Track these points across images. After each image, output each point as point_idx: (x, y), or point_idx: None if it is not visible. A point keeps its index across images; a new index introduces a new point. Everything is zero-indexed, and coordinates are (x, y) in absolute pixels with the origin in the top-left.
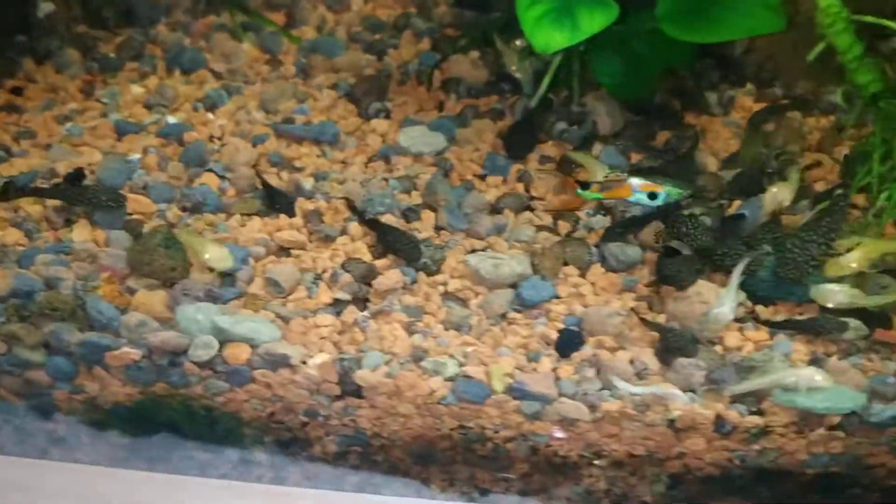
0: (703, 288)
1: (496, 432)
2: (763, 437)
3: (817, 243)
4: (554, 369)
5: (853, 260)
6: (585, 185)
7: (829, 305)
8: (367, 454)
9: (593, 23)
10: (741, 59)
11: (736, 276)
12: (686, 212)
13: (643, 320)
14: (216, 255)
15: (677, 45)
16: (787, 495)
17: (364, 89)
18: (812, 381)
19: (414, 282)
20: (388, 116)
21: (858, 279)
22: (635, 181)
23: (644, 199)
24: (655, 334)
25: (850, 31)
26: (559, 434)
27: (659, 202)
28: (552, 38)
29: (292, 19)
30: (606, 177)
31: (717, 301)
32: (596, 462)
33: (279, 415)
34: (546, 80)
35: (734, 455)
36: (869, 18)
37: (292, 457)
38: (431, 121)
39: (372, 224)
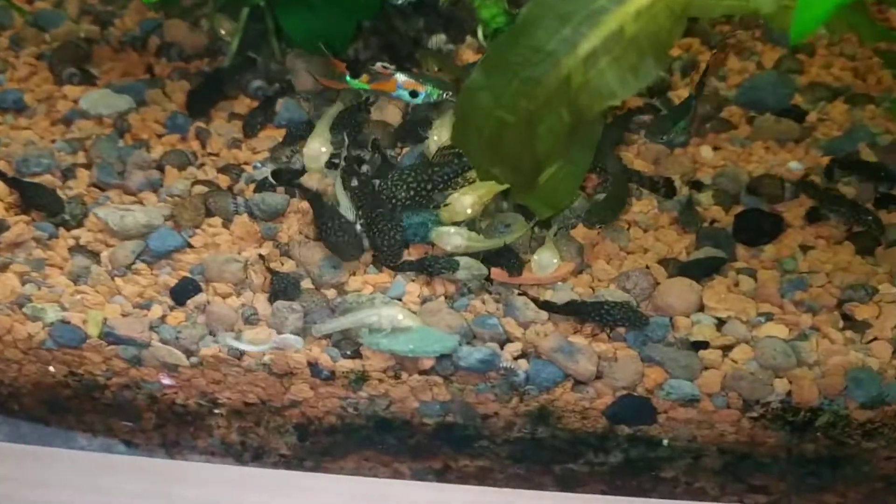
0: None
1: (108, 379)
2: (364, 382)
3: (425, 182)
4: (163, 316)
5: (467, 205)
6: (356, 75)
7: (449, 249)
8: (2, 401)
9: None
10: (461, 14)
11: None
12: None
13: (268, 268)
14: None
15: None
16: (419, 447)
17: (61, 57)
18: (395, 320)
19: (52, 237)
20: (86, 82)
21: (483, 221)
22: (401, 77)
23: (406, 95)
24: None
25: None
26: (167, 381)
27: (419, 100)
28: None
29: None
30: (375, 69)
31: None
32: (216, 411)
33: None
34: (235, 39)
35: (346, 403)
36: None
37: None
38: (119, 84)
39: (13, 182)
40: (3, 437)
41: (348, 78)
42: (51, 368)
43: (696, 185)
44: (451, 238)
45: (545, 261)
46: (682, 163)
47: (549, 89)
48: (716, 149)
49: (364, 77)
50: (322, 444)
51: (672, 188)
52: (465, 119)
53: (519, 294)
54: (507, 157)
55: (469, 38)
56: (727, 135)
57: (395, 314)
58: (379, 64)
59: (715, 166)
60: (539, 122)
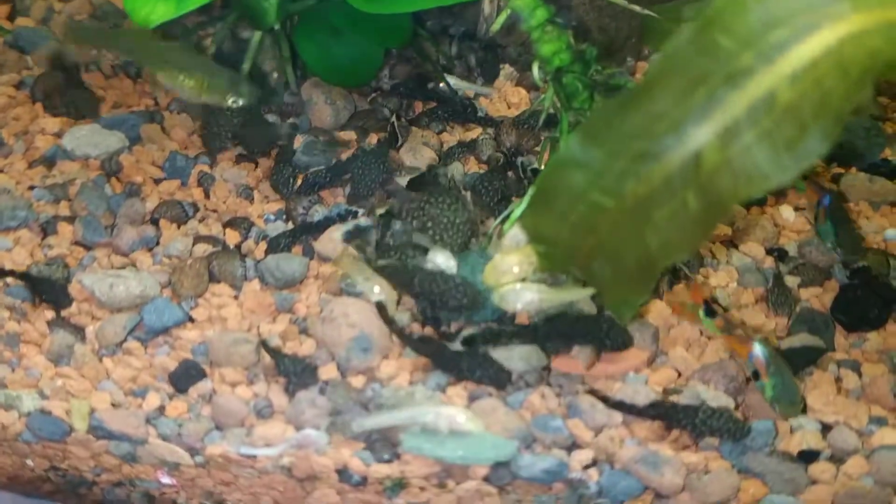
0: (350, 308)
1: (98, 475)
2: (401, 490)
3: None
4: (161, 406)
5: (514, 263)
6: (712, 312)
7: (520, 308)
8: None
9: None
10: (499, 41)
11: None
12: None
13: (265, 347)
14: None
15: (383, 20)
16: None
17: (46, 86)
18: (454, 422)
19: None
20: (72, 115)
21: None
22: (759, 350)
23: (749, 367)
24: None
25: None
26: (167, 480)
27: (757, 383)
28: (154, 10)
29: (16, 9)
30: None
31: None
32: None
33: None
34: (246, 66)
35: None
36: None
37: None
38: (110, 118)
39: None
40: None
41: (702, 313)
42: (29, 462)
43: (781, 256)
44: (521, 294)
45: None
46: (764, 227)
47: (671, 168)
48: (798, 209)
49: (719, 322)
50: None
51: None
52: (544, 201)
53: (586, 392)
54: (602, 251)
55: (509, 68)
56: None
57: (455, 415)
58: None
59: (799, 231)
60: (654, 208)
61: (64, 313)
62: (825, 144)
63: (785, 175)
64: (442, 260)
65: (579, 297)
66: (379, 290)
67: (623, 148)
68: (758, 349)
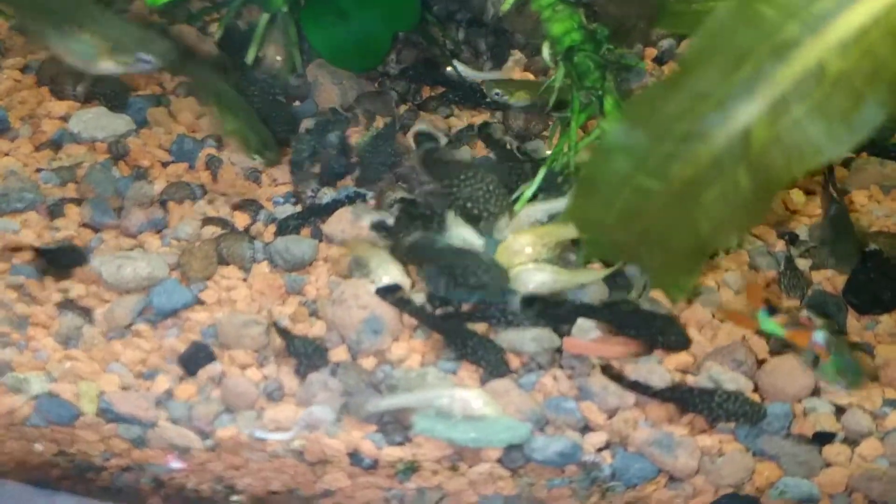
0: (361, 290)
1: (106, 460)
2: (413, 473)
3: None
4: (170, 389)
5: (527, 244)
6: (774, 310)
7: (531, 288)
8: None
9: None
10: (507, 26)
11: None
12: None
13: (276, 328)
14: None
15: (390, 3)
16: None
17: (52, 70)
18: (469, 406)
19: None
20: (80, 99)
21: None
22: (819, 336)
23: (810, 355)
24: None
25: None
26: (176, 464)
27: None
28: None
29: None
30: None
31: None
32: (234, 498)
33: None
34: (252, 49)
35: (390, 495)
36: None
37: None
38: (117, 101)
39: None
40: None
41: (762, 313)
42: (37, 447)
43: (792, 239)
44: (534, 275)
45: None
46: (775, 211)
47: (719, 147)
48: (808, 193)
49: (782, 318)
50: None
51: None
52: (588, 188)
53: (602, 369)
54: (650, 236)
55: (517, 54)
56: (818, 176)
57: (470, 399)
58: (806, 314)
59: (810, 215)
60: (703, 190)
61: (72, 295)
62: (881, 113)
63: (839, 147)
64: (469, 236)
65: (592, 278)
66: (394, 273)
67: (668, 129)
68: (819, 335)
